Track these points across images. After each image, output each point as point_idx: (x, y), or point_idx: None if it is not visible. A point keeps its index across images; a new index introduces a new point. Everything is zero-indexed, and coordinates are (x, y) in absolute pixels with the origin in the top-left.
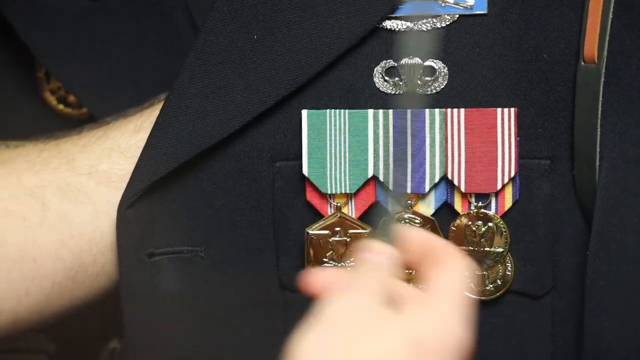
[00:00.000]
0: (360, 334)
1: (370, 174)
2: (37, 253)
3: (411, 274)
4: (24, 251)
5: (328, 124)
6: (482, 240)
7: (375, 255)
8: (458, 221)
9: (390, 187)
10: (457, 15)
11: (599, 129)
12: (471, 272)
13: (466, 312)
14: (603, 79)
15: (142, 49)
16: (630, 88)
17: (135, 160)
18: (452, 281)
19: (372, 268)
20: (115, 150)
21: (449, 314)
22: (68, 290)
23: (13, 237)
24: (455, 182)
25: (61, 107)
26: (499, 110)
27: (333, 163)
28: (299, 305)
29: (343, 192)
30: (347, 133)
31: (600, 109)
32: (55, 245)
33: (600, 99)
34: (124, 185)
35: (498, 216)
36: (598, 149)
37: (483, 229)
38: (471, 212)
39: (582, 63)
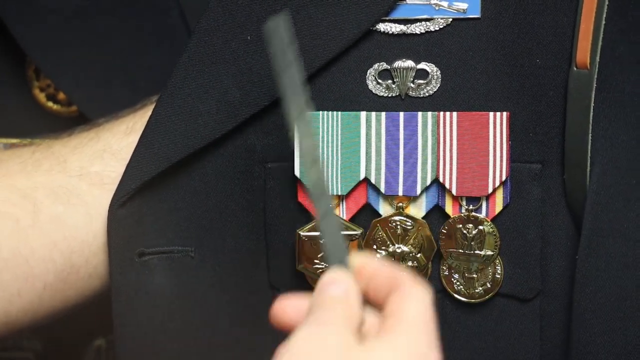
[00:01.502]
0: None
1: (362, 176)
2: (29, 254)
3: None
4: (16, 252)
5: (320, 126)
6: (473, 243)
7: (338, 287)
8: (449, 224)
9: (382, 189)
10: (451, 19)
11: (590, 134)
12: (431, 298)
13: (433, 337)
14: (595, 85)
15: (133, 48)
16: (621, 94)
17: (127, 162)
18: (416, 308)
19: (335, 300)
20: (107, 152)
21: (418, 340)
22: (60, 291)
23: (5, 239)
24: (447, 185)
25: (50, 104)
26: (491, 114)
27: (325, 165)
28: None
29: (335, 194)
30: (339, 135)
31: (591, 114)
32: (47, 247)
33: (592, 104)
34: (115, 187)
35: (488, 219)
36: (589, 154)
37: (473, 232)
38: (462, 215)
39: (575, 68)
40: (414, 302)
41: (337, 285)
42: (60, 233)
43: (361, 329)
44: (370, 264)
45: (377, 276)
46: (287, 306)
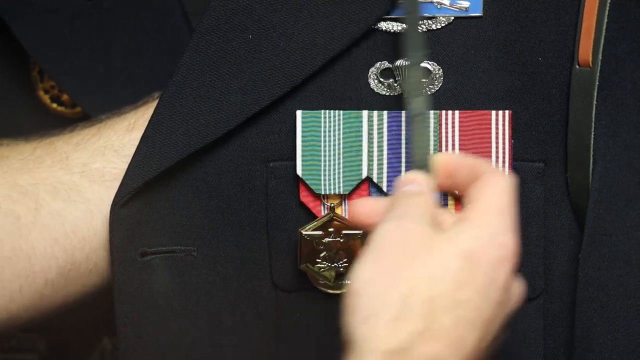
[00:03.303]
0: (412, 255)
1: (364, 175)
2: (30, 251)
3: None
4: (17, 249)
5: (322, 125)
6: None
7: (414, 184)
8: None
9: (384, 188)
10: (453, 18)
11: (592, 132)
12: (511, 185)
13: (511, 222)
14: (597, 83)
15: (136, 49)
16: (624, 92)
17: (129, 158)
18: (493, 195)
19: (413, 195)
20: (109, 149)
21: (495, 225)
22: (61, 287)
23: (7, 235)
24: None
25: (55, 106)
26: (493, 112)
27: (327, 164)
28: (291, 306)
29: (337, 193)
30: (341, 134)
31: (594, 112)
32: (48, 243)
33: (594, 102)
34: (117, 184)
35: None
36: (591, 152)
37: None
38: None
39: (577, 66)
40: (491, 189)
41: (413, 183)
42: (62, 229)
43: (439, 222)
44: (451, 160)
45: (459, 169)
46: (361, 208)
